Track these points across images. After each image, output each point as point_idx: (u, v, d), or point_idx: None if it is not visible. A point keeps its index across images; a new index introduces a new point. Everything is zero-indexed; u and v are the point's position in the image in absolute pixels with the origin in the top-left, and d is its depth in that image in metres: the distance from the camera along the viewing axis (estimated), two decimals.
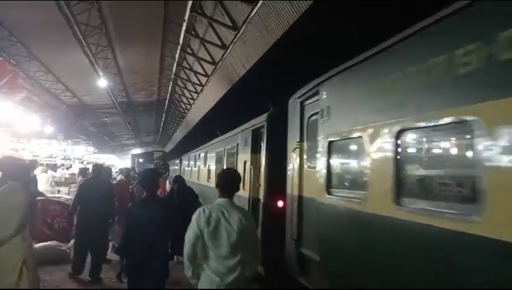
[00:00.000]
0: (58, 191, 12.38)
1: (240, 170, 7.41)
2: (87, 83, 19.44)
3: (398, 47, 3.10)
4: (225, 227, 3.06)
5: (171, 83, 18.87)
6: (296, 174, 5.12)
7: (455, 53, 2.42)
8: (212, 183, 9.73)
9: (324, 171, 4.19)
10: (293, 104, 5.46)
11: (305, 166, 4.94)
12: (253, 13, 7.97)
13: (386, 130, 3.05)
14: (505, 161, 2.03)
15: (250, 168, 7.04)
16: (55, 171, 16.83)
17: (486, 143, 2.12)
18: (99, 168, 7.57)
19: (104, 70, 16.47)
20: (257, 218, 6.20)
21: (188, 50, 13.48)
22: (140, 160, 52.62)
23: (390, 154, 2.97)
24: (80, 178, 10.39)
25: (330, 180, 4.09)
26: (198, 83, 15.80)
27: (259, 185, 6.66)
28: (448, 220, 2.37)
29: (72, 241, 7.52)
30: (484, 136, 2.14)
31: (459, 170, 2.76)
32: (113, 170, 15.36)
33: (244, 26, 8.69)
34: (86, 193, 6.52)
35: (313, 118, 4.80)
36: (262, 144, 6.76)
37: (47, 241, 7.85)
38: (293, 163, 5.31)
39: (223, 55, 10.95)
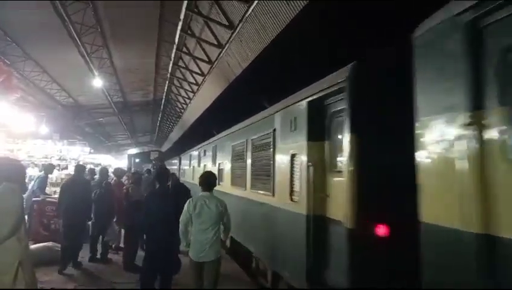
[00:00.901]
0: (55, 193, 12.28)
1: (281, 169, 5.45)
2: (82, 83, 19.32)
3: None
4: (206, 210, 4.68)
5: (167, 82, 18.83)
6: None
7: None
8: (228, 188, 8.84)
9: None
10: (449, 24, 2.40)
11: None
12: (249, 12, 7.95)
13: None
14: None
15: (308, 166, 4.48)
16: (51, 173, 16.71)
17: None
18: (81, 168, 8.16)
19: (100, 70, 16.39)
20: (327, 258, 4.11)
21: (184, 49, 13.45)
22: (137, 160, 52.52)
23: None
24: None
25: None
26: (195, 82, 15.76)
27: (327, 196, 4.30)
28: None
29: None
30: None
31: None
32: (110, 170, 15.29)
33: (240, 25, 8.67)
34: (68, 191, 7.21)
35: None
36: (333, 124, 4.30)
37: (44, 242, 7.90)
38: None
39: (219, 54, 10.92)
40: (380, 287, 3.27)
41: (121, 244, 8.14)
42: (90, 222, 7.82)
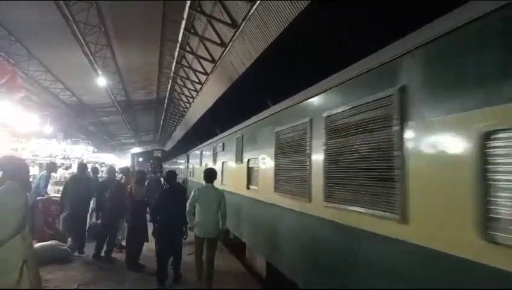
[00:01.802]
0: (58, 191, 12.33)
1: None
2: (86, 82, 19.40)
3: None
4: (209, 199, 6.12)
5: (170, 81, 18.84)
6: None
7: None
8: (271, 196, 5.82)
9: None
10: None
11: None
12: (252, 10, 7.94)
13: None
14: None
15: None
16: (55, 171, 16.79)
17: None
18: (83, 166, 9.27)
19: (103, 69, 16.42)
20: None
21: (187, 48, 13.45)
22: (140, 159, 52.70)
23: None
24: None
25: None
26: (198, 81, 15.76)
27: None
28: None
29: (69, 239, 8.03)
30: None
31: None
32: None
33: (243, 24, 8.66)
34: (71, 186, 8.07)
35: None
36: None
37: (48, 240, 7.94)
38: None
39: (222, 53, 10.92)
40: None
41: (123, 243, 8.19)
42: (99, 221, 8.15)
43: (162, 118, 29.62)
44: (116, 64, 17.78)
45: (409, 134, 2.86)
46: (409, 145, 2.85)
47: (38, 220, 9.14)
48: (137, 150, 50.61)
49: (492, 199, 2.16)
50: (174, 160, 29.69)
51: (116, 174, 9.56)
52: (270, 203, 5.95)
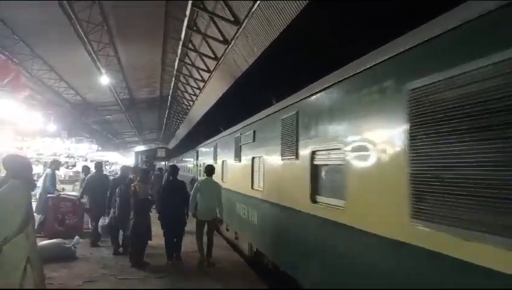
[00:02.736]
0: (63, 189, 12.41)
1: None
2: (89, 81, 19.44)
3: None
4: (209, 189, 7.40)
5: (173, 79, 18.84)
6: None
7: None
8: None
9: None
10: None
11: None
12: (254, 7, 7.91)
13: None
14: None
15: None
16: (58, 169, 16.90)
17: None
18: (99, 165, 10.15)
19: (106, 68, 16.45)
20: None
21: (190, 46, 13.43)
22: (144, 157, 52.79)
23: None
24: (83, 175, 11.45)
25: None
26: (201, 78, 15.75)
27: None
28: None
29: (76, 237, 8.21)
30: None
31: None
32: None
33: (246, 21, 8.62)
34: (92, 182, 9.13)
35: None
36: None
37: (58, 236, 8.21)
38: None
39: (225, 50, 10.89)
40: None
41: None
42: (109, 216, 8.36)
43: (166, 115, 29.65)
44: (119, 62, 17.81)
45: None
46: None
47: (48, 217, 9.45)
48: (141, 148, 50.74)
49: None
50: (180, 158, 27.68)
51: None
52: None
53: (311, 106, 4.65)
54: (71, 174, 17.50)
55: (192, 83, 17.71)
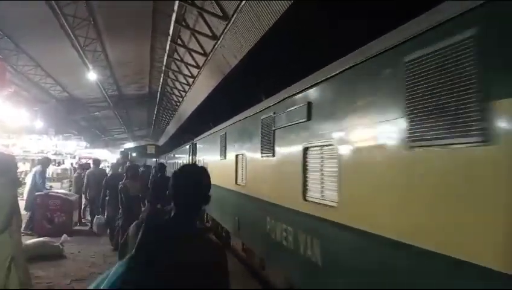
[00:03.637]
0: (51, 187, 12.26)
1: None
2: (76, 77, 19.16)
3: None
4: None
5: (162, 75, 18.68)
6: None
7: None
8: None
9: None
10: None
11: None
12: (243, 2, 7.85)
13: None
14: None
15: None
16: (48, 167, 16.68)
17: None
18: (98, 162, 11.54)
19: (94, 63, 16.23)
20: None
21: (179, 41, 13.31)
22: (134, 154, 52.34)
23: None
24: (77, 173, 12.73)
25: None
26: (190, 74, 15.64)
27: None
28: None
29: (64, 236, 8.32)
30: None
31: None
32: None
33: (234, 16, 8.56)
34: (91, 177, 10.34)
35: None
36: None
37: (47, 234, 8.25)
38: None
39: (214, 46, 10.81)
40: None
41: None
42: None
43: (155, 112, 29.41)
44: (107, 58, 17.58)
45: None
46: None
47: (37, 215, 9.43)
48: (130, 145, 50.31)
49: None
50: (172, 154, 25.23)
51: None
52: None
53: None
54: (59, 171, 17.26)
55: (182, 79, 17.56)
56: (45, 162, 10.92)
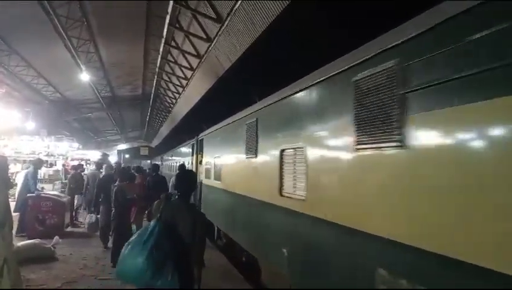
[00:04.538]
0: (42, 189, 12.17)
1: None
2: (69, 78, 19.02)
3: None
4: None
5: (155, 76, 18.63)
6: None
7: None
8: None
9: None
10: None
11: None
12: (237, 5, 7.89)
13: None
14: None
15: None
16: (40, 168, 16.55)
17: None
18: (99, 165, 12.35)
19: (87, 64, 16.15)
20: None
21: (173, 43, 13.30)
22: (127, 156, 52.12)
23: None
24: (71, 174, 12.95)
25: None
26: (184, 76, 15.63)
27: None
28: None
29: (56, 238, 8.32)
30: None
31: None
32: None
33: (228, 19, 8.60)
34: (91, 178, 10.95)
35: None
36: None
37: (39, 236, 8.17)
38: None
39: (208, 48, 10.83)
40: None
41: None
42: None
43: (148, 113, 29.30)
44: (100, 59, 17.49)
45: None
46: None
47: (28, 217, 9.35)
48: (123, 146, 49.99)
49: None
50: (169, 156, 23.77)
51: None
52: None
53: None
54: (51, 173, 17.11)
55: (175, 81, 17.53)
56: (37, 164, 10.86)
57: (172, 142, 24.92)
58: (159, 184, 9.60)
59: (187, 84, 15.55)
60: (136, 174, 9.91)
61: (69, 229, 10.61)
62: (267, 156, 5.68)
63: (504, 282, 1.93)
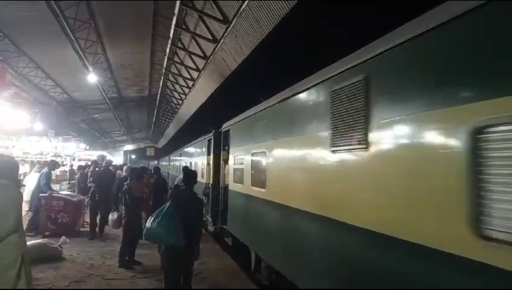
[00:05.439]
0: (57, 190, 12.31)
1: None
2: (77, 79, 19.19)
3: None
4: None
5: (162, 77, 18.72)
6: None
7: None
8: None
9: None
10: None
11: None
12: (243, 6, 7.91)
13: None
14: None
15: None
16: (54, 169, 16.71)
17: None
18: (108, 163, 12.27)
19: (94, 66, 16.26)
20: None
21: (179, 44, 13.37)
22: (133, 156, 52.45)
23: None
24: (79, 173, 13.25)
25: None
26: (190, 77, 15.68)
27: None
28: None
29: (63, 237, 8.35)
30: None
31: None
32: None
33: (235, 20, 8.62)
34: (99, 177, 10.39)
35: None
36: None
37: (51, 235, 8.63)
38: None
39: (214, 49, 10.87)
40: None
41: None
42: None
43: (155, 114, 29.44)
44: (108, 60, 17.61)
45: None
46: None
47: (41, 216, 9.67)
48: (129, 147, 50.30)
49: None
50: (177, 156, 22.40)
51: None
52: None
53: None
54: (58, 173, 17.25)
55: (181, 82, 17.61)
56: (52, 165, 11.01)
57: (179, 142, 24.94)
58: (160, 187, 10.12)
59: (193, 84, 15.62)
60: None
61: (81, 229, 10.62)
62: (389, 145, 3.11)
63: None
